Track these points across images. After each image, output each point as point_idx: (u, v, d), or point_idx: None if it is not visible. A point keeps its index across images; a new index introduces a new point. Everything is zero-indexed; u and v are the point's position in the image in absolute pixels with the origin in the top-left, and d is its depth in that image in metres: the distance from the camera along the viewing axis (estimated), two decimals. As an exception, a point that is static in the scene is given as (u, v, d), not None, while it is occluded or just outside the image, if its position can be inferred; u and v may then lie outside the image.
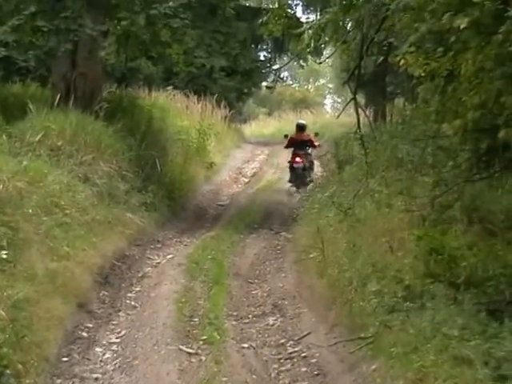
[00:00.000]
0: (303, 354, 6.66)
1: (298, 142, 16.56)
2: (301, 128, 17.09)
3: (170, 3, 12.92)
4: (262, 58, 27.77)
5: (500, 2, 5.46)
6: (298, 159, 16.15)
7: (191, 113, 21.42)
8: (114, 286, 8.66)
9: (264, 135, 31.22)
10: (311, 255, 8.73)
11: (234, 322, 7.52)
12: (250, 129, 33.13)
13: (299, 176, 16.01)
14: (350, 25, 11.27)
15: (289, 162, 16.56)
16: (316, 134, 17.29)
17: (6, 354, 5.45)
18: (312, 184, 15.09)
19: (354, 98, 10.69)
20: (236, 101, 28.67)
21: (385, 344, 5.79)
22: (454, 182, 7.49)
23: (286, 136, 17.21)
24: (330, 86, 54.18)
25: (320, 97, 51.80)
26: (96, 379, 6.14)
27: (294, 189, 15.90)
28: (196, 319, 7.45)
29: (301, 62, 26.00)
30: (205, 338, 6.91)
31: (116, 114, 12.91)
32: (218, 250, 10.49)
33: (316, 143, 16.64)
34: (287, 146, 16.95)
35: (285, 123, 35.19)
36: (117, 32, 14.00)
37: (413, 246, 6.97)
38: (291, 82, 54.06)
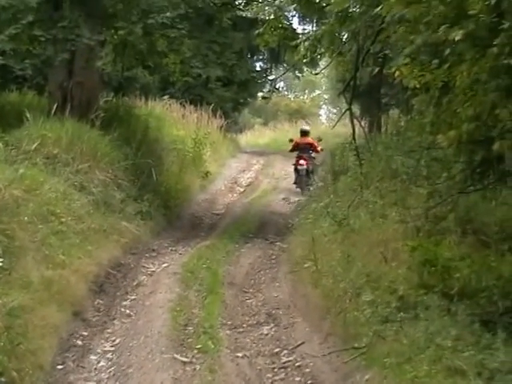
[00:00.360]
0: (297, 364, 6.66)
1: (302, 146, 17.83)
2: (304, 133, 18.44)
3: (168, 13, 12.94)
4: (258, 68, 27.86)
5: (495, 15, 5.51)
6: (302, 162, 17.38)
7: (187, 122, 21.50)
8: (109, 294, 8.66)
9: (259, 145, 31.30)
10: (306, 265, 8.74)
11: (228, 331, 7.52)
12: (245, 139, 33.20)
13: (303, 178, 17.00)
14: (345, 36, 11.36)
15: (293, 164, 17.80)
16: (319, 140, 18.30)
17: (1, 361, 5.47)
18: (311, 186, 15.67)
19: (350, 109, 10.78)
20: (232, 111, 28.77)
21: (378, 354, 5.81)
22: (448, 194, 7.55)
23: (290, 140, 18.55)
24: (326, 96, 54.28)
25: (315, 107, 51.81)
26: (91, 387, 6.16)
27: (299, 190, 16.81)
28: (191, 328, 7.45)
29: (297, 72, 26.16)
30: (199, 346, 6.91)
31: (112, 123, 12.92)
32: (212, 259, 10.49)
33: (319, 148, 17.84)
34: (292, 150, 18.27)
35: (280, 133, 35.32)
36: (114, 41, 14.04)
37: (407, 257, 7.01)
38: (287, 93, 54.17)
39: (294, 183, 17.70)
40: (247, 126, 39.01)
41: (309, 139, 18.21)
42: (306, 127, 19.90)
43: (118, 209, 11.05)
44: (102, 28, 13.03)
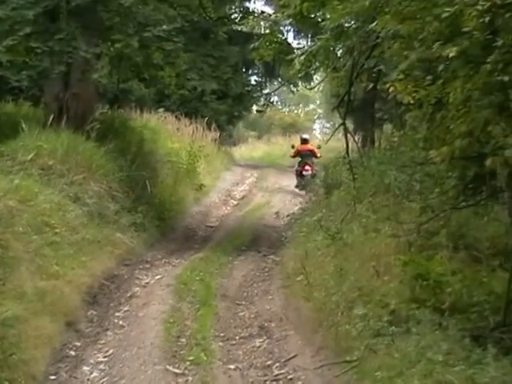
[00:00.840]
0: (289, 377, 6.68)
1: (304, 153, 19.67)
2: (305, 140, 20.41)
3: (164, 27, 13.02)
4: (252, 82, 27.93)
5: (489, 33, 5.55)
6: (307, 167, 19.21)
7: (182, 135, 21.55)
8: (103, 305, 8.69)
9: (253, 158, 31.36)
10: (298, 278, 8.78)
11: (220, 343, 7.55)
12: (239, 152, 33.25)
13: (308, 182, 17.92)
14: (340, 51, 11.42)
15: (297, 170, 19.73)
16: (319, 147, 19.99)
17: (-6, 371, 5.50)
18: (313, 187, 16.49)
19: (344, 124, 10.80)
20: (226, 124, 28.82)
21: (370, 368, 5.83)
22: (440, 209, 7.57)
23: (292, 146, 20.68)
24: (320, 111, 54.42)
25: (309, 122, 51.96)
26: (83, 398, 6.19)
27: (303, 192, 17.53)
28: (183, 340, 7.48)
29: (291, 87, 26.28)
30: (192, 358, 6.95)
31: (108, 135, 12.96)
32: (206, 271, 10.52)
33: (318, 154, 19.65)
34: (294, 156, 20.29)
35: (274, 147, 35.47)
36: (110, 54, 14.10)
37: (399, 271, 7.04)
38: (281, 107, 54.26)
39: (296, 186, 19.29)
40: (241, 140, 39.07)
41: (309, 146, 20.07)
42: (306, 135, 21.79)
43: (112, 220, 11.08)
44: (99, 40, 13.10)
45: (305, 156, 19.66)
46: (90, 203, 10.66)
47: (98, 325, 8.03)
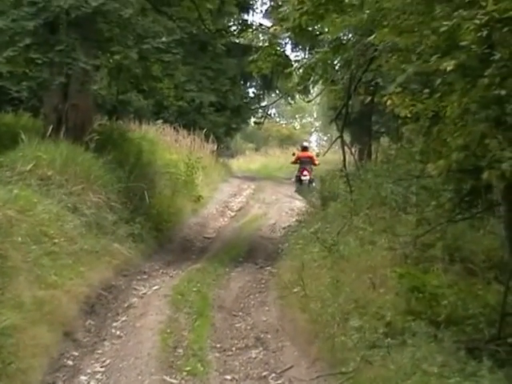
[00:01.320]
0: (285, 388, 6.73)
1: (303, 159, 20.76)
2: (305, 148, 21.73)
3: (163, 38, 13.09)
4: (250, 94, 28.05)
5: (486, 46, 5.59)
6: (305, 173, 20.35)
7: (180, 146, 21.65)
8: (100, 315, 8.70)
9: (251, 170, 31.43)
10: (295, 290, 8.81)
11: (217, 354, 7.58)
12: (237, 163, 33.33)
13: (305, 186, 19.76)
14: (338, 65, 11.49)
15: (296, 175, 20.88)
16: (317, 155, 21.50)
17: (-8, 379, 5.53)
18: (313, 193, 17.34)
19: (341, 137, 10.87)
20: (224, 136, 28.93)
21: (365, 379, 5.85)
22: (436, 222, 7.61)
23: (293, 154, 21.93)
24: (317, 124, 54.57)
25: (306, 134, 52.09)
26: (80, 407, 6.21)
27: (301, 197, 18.64)
28: (180, 350, 7.50)
29: (289, 99, 26.42)
30: (188, 369, 6.97)
31: (106, 146, 13.01)
32: (203, 282, 10.54)
33: (316, 161, 20.76)
34: (294, 162, 21.41)
35: (271, 159, 35.55)
36: (109, 65, 14.16)
37: (395, 284, 7.07)
38: (278, 119, 54.39)
39: (296, 191, 20.47)
40: (239, 151, 39.17)
41: (308, 153, 21.31)
42: (306, 143, 23.67)
43: (110, 231, 11.11)
44: (98, 52, 13.16)
45: (304, 162, 20.74)
46: (89, 214, 10.69)
47: (95, 335, 8.04)
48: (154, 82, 15.66)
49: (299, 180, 20.60)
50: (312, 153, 22.08)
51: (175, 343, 7.70)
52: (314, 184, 19.65)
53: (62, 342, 7.37)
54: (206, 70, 16.15)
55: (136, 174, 13.32)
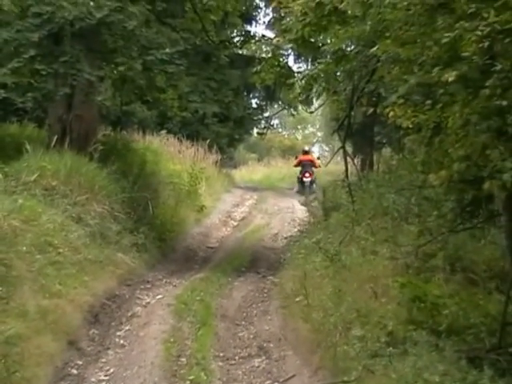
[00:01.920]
0: (288, 396, 6.77)
1: (305, 162, 22.50)
2: (306, 152, 23.58)
3: (167, 50, 13.17)
4: (253, 105, 28.11)
5: (488, 57, 5.63)
6: (307, 175, 22.12)
7: (183, 157, 21.72)
8: (104, 324, 8.75)
9: (253, 181, 31.47)
10: (297, 299, 8.82)
11: (220, 363, 7.62)
12: (239, 174, 33.36)
13: (307, 187, 21.49)
14: (341, 75, 11.53)
15: (298, 177, 22.73)
16: (318, 158, 23.77)
17: (-2, 388, 5.58)
18: (315, 194, 19.01)
19: (343, 147, 10.89)
20: (227, 146, 29.00)
21: (367, 388, 5.92)
22: (438, 232, 7.65)
23: (296, 157, 23.87)
24: (319, 134, 54.57)
25: (308, 145, 52.10)
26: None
27: (303, 198, 19.56)
28: (183, 359, 7.55)
29: (291, 110, 26.49)
30: (192, 378, 7.01)
31: (110, 157, 13.08)
32: (206, 291, 10.57)
33: (317, 164, 22.62)
34: (296, 165, 23.15)
35: (273, 170, 35.58)
36: (113, 76, 14.23)
37: (396, 293, 7.09)
38: (281, 130, 54.41)
39: (297, 192, 22.26)
40: (242, 162, 39.20)
41: (309, 157, 23.09)
42: (307, 147, 25.61)
43: (114, 241, 11.16)
44: (102, 63, 13.23)
45: (305, 165, 22.47)
46: (93, 224, 10.75)
47: (99, 344, 8.09)
48: (158, 93, 15.74)
49: (301, 181, 22.38)
50: (313, 156, 23.87)
51: (178, 352, 7.74)
52: (314, 185, 21.69)
53: (66, 350, 7.43)
54: (209, 81, 16.18)
55: (140, 185, 13.39)
